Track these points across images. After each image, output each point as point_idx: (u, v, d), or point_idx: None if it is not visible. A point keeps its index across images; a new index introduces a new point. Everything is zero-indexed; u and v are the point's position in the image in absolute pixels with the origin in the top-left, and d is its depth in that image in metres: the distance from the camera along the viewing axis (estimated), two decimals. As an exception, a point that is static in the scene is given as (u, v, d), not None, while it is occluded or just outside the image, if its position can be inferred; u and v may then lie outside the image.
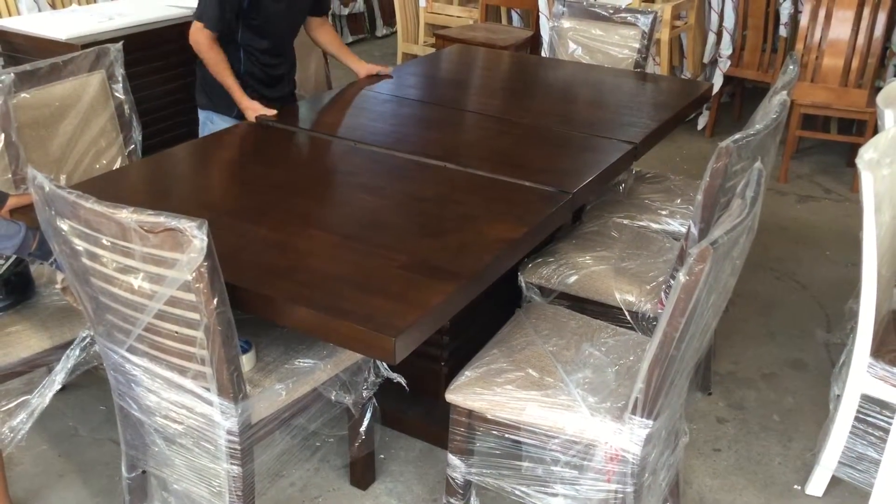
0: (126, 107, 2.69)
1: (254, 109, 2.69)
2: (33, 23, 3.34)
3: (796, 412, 2.62)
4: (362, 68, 3.12)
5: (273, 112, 2.68)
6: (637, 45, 3.39)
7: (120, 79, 2.67)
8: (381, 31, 6.91)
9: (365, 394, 2.10)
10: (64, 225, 1.70)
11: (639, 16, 3.37)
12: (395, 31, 5.91)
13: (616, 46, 3.43)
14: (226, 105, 2.80)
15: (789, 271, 3.45)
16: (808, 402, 2.66)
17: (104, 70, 2.64)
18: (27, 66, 2.48)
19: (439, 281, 1.74)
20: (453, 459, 1.98)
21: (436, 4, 5.63)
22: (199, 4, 2.70)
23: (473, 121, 2.86)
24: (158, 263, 1.59)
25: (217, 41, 2.72)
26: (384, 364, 2.07)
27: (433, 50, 5.07)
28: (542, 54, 4.75)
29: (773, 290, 3.30)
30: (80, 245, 1.71)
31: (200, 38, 2.69)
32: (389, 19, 6.70)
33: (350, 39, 6.43)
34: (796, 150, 4.53)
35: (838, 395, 2.25)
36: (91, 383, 2.58)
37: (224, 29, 2.71)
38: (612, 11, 3.42)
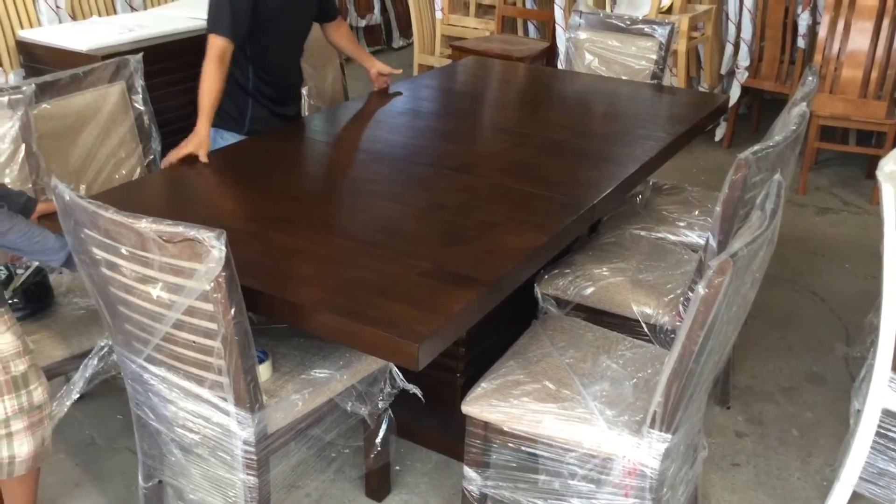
0: (145, 117, 2.71)
1: (192, 145, 2.45)
2: (54, 34, 3.37)
3: (816, 427, 2.59)
4: (374, 66, 3.12)
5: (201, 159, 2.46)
6: (654, 57, 3.38)
7: (140, 90, 2.69)
8: (398, 42, 6.94)
9: (381, 405, 2.09)
10: (84, 234, 1.71)
11: (656, 27, 3.37)
12: (412, 43, 5.93)
13: (633, 58, 3.42)
14: (234, 121, 2.80)
15: (808, 284, 3.42)
16: (827, 416, 2.63)
17: (124, 81, 2.66)
18: (48, 77, 2.51)
19: (461, 288, 1.74)
20: (469, 472, 1.97)
21: (452, 16, 5.65)
22: (210, 15, 2.61)
23: (490, 132, 2.86)
24: (177, 273, 1.60)
25: (227, 56, 2.58)
26: (400, 375, 2.07)
27: (449, 61, 5.07)
28: (559, 66, 4.75)
29: (792, 303, 3.27)
30: (99, 254, 1.72)
31: (211, 47, 2.56)
32: (406, 31, 6.73)
33: (367, 51, 6.46)
34: (815, 162, 4.50)
35: (858, 410, 2.22)
36: (108, 393, 2.59)
37: (240, 37, 2.61)
38: (628, 23, 3.42)
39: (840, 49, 4.23)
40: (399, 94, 3.14)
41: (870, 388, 2.13)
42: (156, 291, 1.65)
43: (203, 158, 2.43)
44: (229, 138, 2.80)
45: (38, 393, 1.89)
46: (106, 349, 2.15)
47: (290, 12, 2.78)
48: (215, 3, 2.59)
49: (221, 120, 2.84)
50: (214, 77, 2.56)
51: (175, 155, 2.45)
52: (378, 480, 2.28)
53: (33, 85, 2.43)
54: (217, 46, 2.56)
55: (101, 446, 2.49)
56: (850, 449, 2.21)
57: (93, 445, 2.49)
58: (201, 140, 2.47)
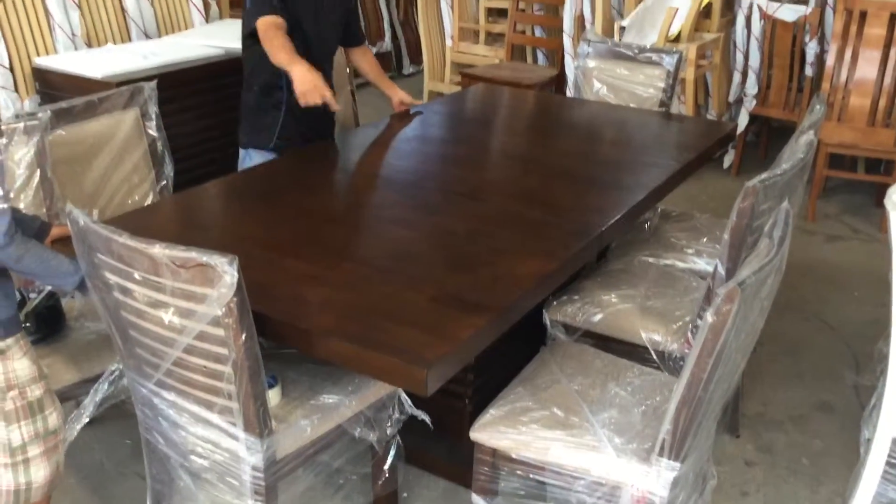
0: (159, 144, 2.74)
1: (304, 88, 2.54)
2: (70, 61, 3.42)
3: (825, 455, 2.57)
4: (396, 94, 3.19)
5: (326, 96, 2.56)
6: (662, 85, 3.40)
7: (153, 116, 2.72)
8: (408, 69, 7.00)
9: (389, 431, 2.09)
10: (97, 259, 1.73)
11: (663, 55, 3.39)
12: (422, 70, 5.99)
13: (641, 86, 3.45)
14: (264, 139, 2.85)
15: (817, 312, 3.41)
16: (837, 445, 2.62)
17: (138, 108, 2.70)
18: (63, 104, 2.54)
19: (469, 314, 1.74)
20: (477, 499, 1.96)
21: (462, 44, 5.70)
22: (251, 11, 2.71)
23: (500, 159, 2.88)
24: (189, 298, 1.61)
25: (279, 23, 2.64)
26: (408, 401, 2.07)
27: (459, 88, 5.12)
28: (567, 93, 4.79)
29: (802, 331, 3.27)
30: (112, 279, 1.74)
31: (265, 25, 2.63)
32: (416, 58, 6.79)
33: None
34: (824, 190, 4.50)
35: (868, 439, 2.21)
36: (117, 417, 2.60)
37: (285, 14, 2.66)
38: (636, 51, 3.45)
39: (848, 77, 4.25)
40: (420, 112, 3.20)
41: (880, 416, 2.12)
42: (167, 316, 1.67)
43: (327, 93, 2.54)
44: (257, 158, 2.85)
45: (53, 418, 1.90)
46: (116, 373, 2.16)
47: (318, 20, 2.85)
48: (253, 2, 2.71)
49: (248, 137, 2.90)
50: (276, 37, 2.61)
51: (311, 98, 2.53)
52: (386, 507, 2.28)
53: (49, 112, 2.46)
54: (266, 20, 2.63)
55: (111, 471, 2.49)
56: (860, 478, 2.19)
57: (102, 470, 2.50)
58: (313, 79, 2.53)
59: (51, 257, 1.95)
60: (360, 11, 3.72)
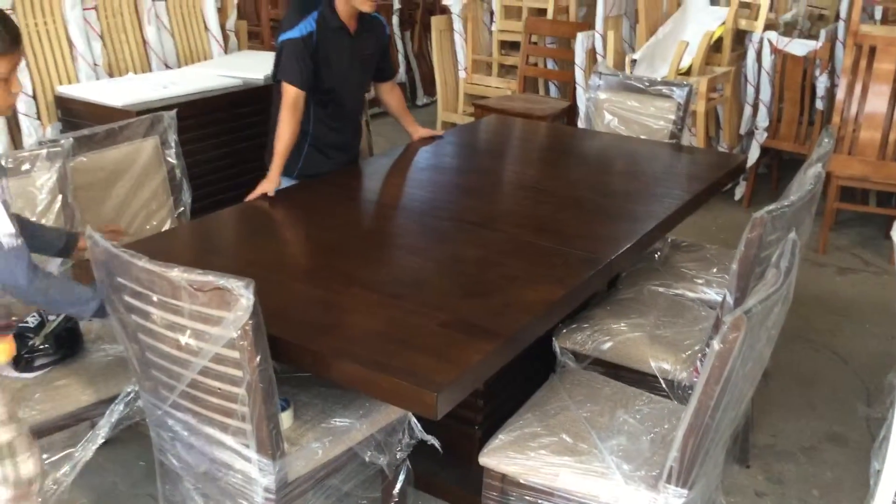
0: (177, 171, 2.80)
1: (262, 187, 2.68)
2: (91, 90, 3.50)
3: (836, 487, 2.57)
4: (416, 132, 3.30)
5: (269, 194, 2.68)
6: (672, 117, 3.44)
7: (172, 144, 2.79)
8: (422, 100, 7.09)
9: (399, 455, 2.11)
10: (116, 282, 1.77)
11: (674, 88, 3.44)
12: (436, 101, 6.07)
13: (651, 118, 3.49)
14: (289, 167, 2.91)
15: (829, 344, 3.41)
16: (848, 477, 2.61)
17: (158, 136, 2.76)
18: (85, 131, 2.61)
19: (479, 340, 1.78)
20: (486, 524, 1.97)
21: (475, 76, 5.78)
22: (279, 65, 2.84)
23: (511, 189, 2.92)
24: (205, 321, 1.65)
25: (300, 103, 2.80)
26: (418, 425, 2.10)
27: (472, 119, 5.18)
28: (579, 124, 4.84)
29: (813, 363, 3.27)
30: (130, 302, 1.78)
31: (286, 94, 2.80)
32: (430, 89, 6.88)
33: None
34: (835, 223, 4.52)
35: (878, 471, 2.21)
36: (131, 439, 2.62)
37: (306, 84, 2.81)
38: (647, 84, 3.50)
39: (858, 111, 4.28)
40: (439, 137, 3.30)
41: (889, 448, 2.12)
42: (184, 338, 1.70)
43: (268, 193, 2.68)
44: (283, 183, 2.90)
45: (28, 466, 1.74)
46: (132, 395, 2.20)
47: (352, 65, 2.96)
48: (283, 52, 2.82)
49: None
50: (289, 124, 2.81)
51: (251, 197, 2.67)
52: (395, 532, 2.28)
53: (71, 139, 2.53)
54: (290, 95, 2.80)
55: (124, 492, 2.52)
56: (870, 510, 2.19)
57: (115, 491, 2.52)
58: (272, 183, 2.73)
59: (73, 287, 1.99)
60: (393, 47, 3.82)
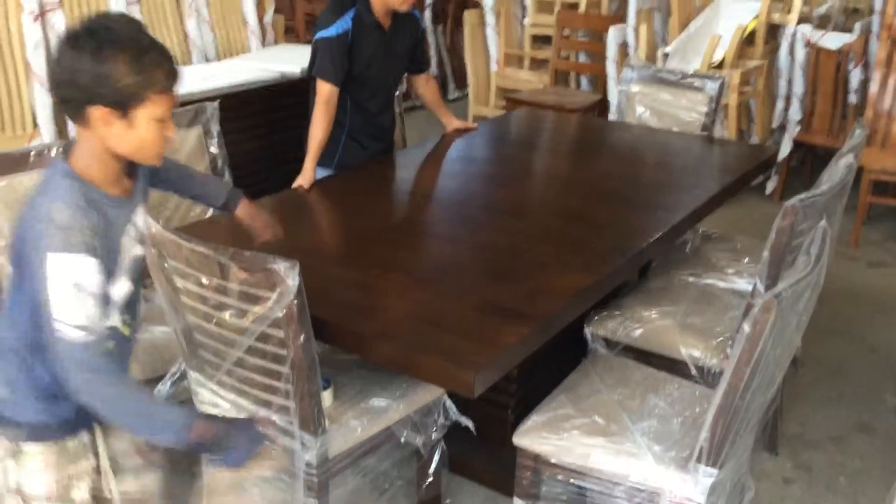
0: (219, 160, 2.88)
1: (298, 182, 2.77)
2: (135, 83, 3.60)
3: (864, 475, 2.59)
4: (451, 123, 3.37)
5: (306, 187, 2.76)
6: (704, 109, 3.46)
7: (215, 134, 2.86)
8: (454, 94, 7.15)
9: (434, 436, 2.18)
10: (167, 264, 1.86)
11: (706, 81, 3.46)
12: (467, 94, 6.12)
13: (683, 110, 3.51)
14: (326, 159, 2.98)
15: (860, 335, 3.42)
16: (876, 465, 2.63)
17: (201, 126, 2.84)
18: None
19: (513, 323, 1.84)
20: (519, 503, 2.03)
21: (507, 69, 5.82)
22: (314, 62, 2.91)
23: (543, 179, 2.97)
24: (252, 301, 1.72)
25: (333, 99, 2.87)
26: (453, 407, 2.16)
27: (504, 112, 5.23)
28: (610, 117, 4.87)
29: (843, 354, 3.28)
30: (180, 283, 1.86)
31: (320, 92, 2.87)
32: (461, 83, 6.93)
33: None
34: (867, 216, 4.50)
35: (908, 459, 2.23)
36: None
37: (340, 82, 2.88)
38: (679, 76, 3.52)
39: (892, 105, 4.27)
40: (474, 129, 3.37)
41: (919, 436, 2.15)
42: (231, 318, 1.78)
43: (304, 186, 2.76)
44: (320, 173, 2.98)
45: None
46: (178, 374, 2.29)
47: (386, 60, 3.02)
48: (318, 51, 2.89)
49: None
50: (322, 120, 2.87)
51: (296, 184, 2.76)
52: (430, 512, 2.35)
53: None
54: (325, 91, 2.87)
55: (166, 472, 2.60)
56: (898, 497, 2.21)
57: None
58: (307, 177, 2.79)
59: (154, 410, 1.52)
60: (425, 41, 3.88)
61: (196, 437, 1.49)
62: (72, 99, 1.47)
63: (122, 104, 1.47)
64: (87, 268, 1.44)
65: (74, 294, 1.43)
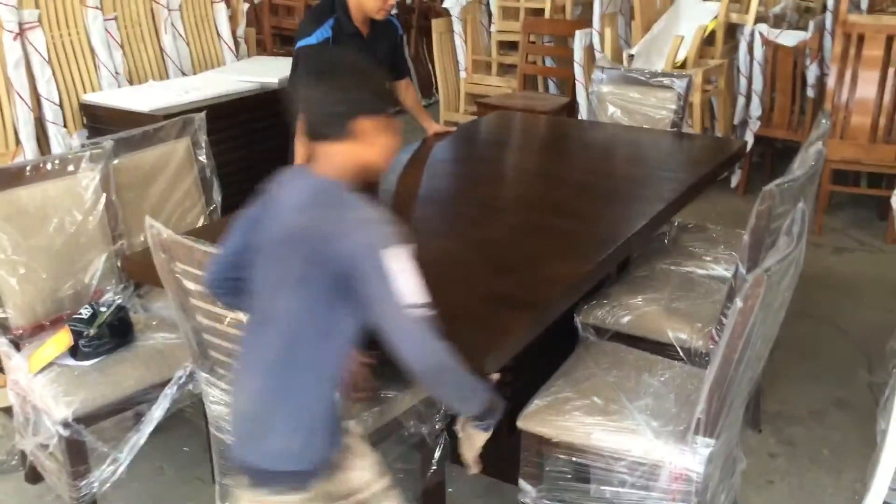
0: (208, 170, 2.94)
1: None
2: (116, 97, 3.63)
3: (844, 447, 2.72)
4: (432, 127, 3.47)
5: None
6: (673, 107, 3.60)
7: (203, 145, 2.92)
8: (422, 101, 7.23)
9: (438, 425, 2.25)
10: (177, 267, 1.91)
11: (674, 79, 3.60)
12: (434, 102, 6.22)
13: (653, 108, 3.65)
14: None
15: (830, 318, 3.57)
16: (855, 437, 2.77)
17: (189, 137, 2.90)
18: (122, 134, 2.74)
19: (517, 310, 1.93)
20: (524, 485, 2.12)
21: (476, 75, 5.94)
22: (294, 70, 2.98)
23: (527, 177, 3.07)
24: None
25: None
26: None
27: (474, 118, 5.33)
28: (580, 118, 5.00)
29: (815, 336, 3.43)
30: (190, 286, 1.92)
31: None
32: (427, 91, 7.03)
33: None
34: (829, 205, 4.69)
35: (883, 429, 2.36)
36: (174, 427, 2.74)
37: None
38: (648, 76, 3.66)
39: (849, 97, 4.46)
40: (454, 131, 3.49)
41: (894, 406, 2.27)
42: (239, 317, 1.84)
43: None
44: None
45: None
46: (183, 378, 2.34)
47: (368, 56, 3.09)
48: (300, 59, 2.97)
49: None
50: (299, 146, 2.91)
51: None
52: (434, 501, 2.42)
53: (111, 141, 2.66)
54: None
55: (171, 476, 2.65)
56: (878, 463, 2.34)
57: (163, 475, 2.65)
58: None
59: (474, 379, 1.64)
60: (405, 47, 3.97)
61: (489, 405, 1.65)
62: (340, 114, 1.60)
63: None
64: (410, 253, 1.58)
65: (415, 278, 1.55)
